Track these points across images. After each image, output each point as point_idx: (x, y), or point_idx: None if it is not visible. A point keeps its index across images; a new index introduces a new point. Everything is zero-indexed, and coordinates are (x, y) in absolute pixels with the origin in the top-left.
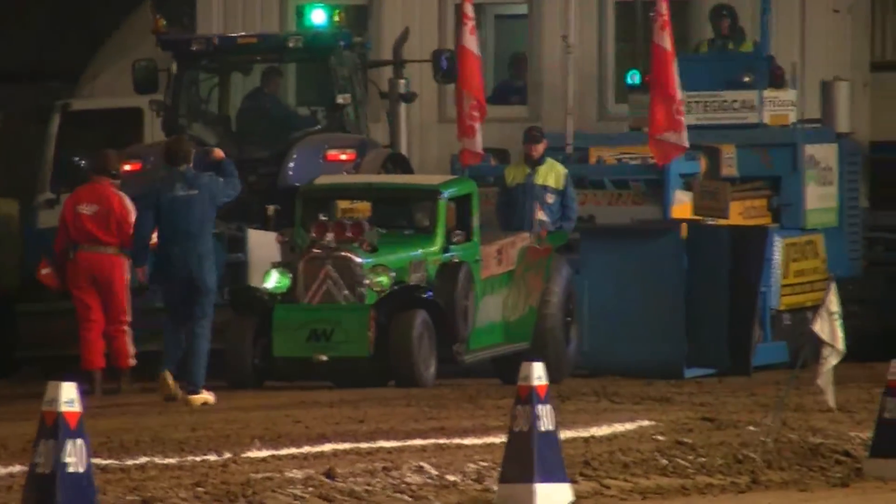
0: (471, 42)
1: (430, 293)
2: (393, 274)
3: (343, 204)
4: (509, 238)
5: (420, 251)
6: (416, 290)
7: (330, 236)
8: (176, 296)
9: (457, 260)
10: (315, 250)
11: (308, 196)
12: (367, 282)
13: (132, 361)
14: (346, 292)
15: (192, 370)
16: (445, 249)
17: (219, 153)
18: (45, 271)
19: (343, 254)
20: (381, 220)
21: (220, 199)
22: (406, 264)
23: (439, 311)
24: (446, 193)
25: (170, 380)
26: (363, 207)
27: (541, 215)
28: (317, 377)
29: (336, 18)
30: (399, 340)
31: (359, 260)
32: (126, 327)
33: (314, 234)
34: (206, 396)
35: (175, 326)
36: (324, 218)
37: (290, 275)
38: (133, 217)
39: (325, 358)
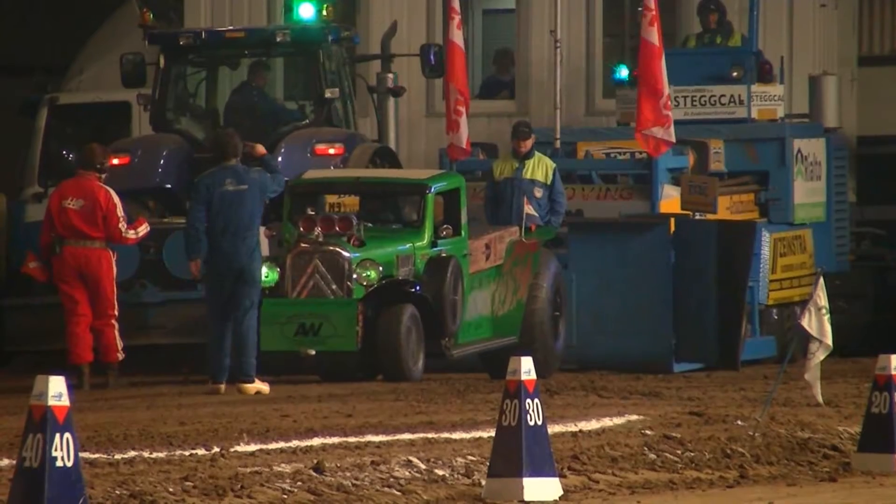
0: (457, 36)
1: (419, 287)
2: (381, 268)
3: (330, 198)
4: (497, 232)
5: (408, 245)
6: (405, 284)
7: (318, 230)
8: (224, 290)
9: (445, 254)
10: (303, 245)
11: (296, 190)
12: (355, 276)
13: (120, 355)
14: (334, 286)
15: (245, 360)
16: (433, 244)
17: (260, 149)
18: (32, 265)
19: (331, 248)
20: (369, 215)
21: (268, 193)
22: (394, 258)
23: (427, 306)
24: (434, 188)
25: (222, 390)
26: (351, 202)
27: (529, 209)
28: (304, 371)
29: (324, 13)
30: (387, 335)
31: (347, 254)
32: (114, 321)
33: (302, 229)
34: (260, 386)
35: (221, 324)
36: (311, 212)
37: (278, 269)
38: (120, 210)
39: (312, 352)
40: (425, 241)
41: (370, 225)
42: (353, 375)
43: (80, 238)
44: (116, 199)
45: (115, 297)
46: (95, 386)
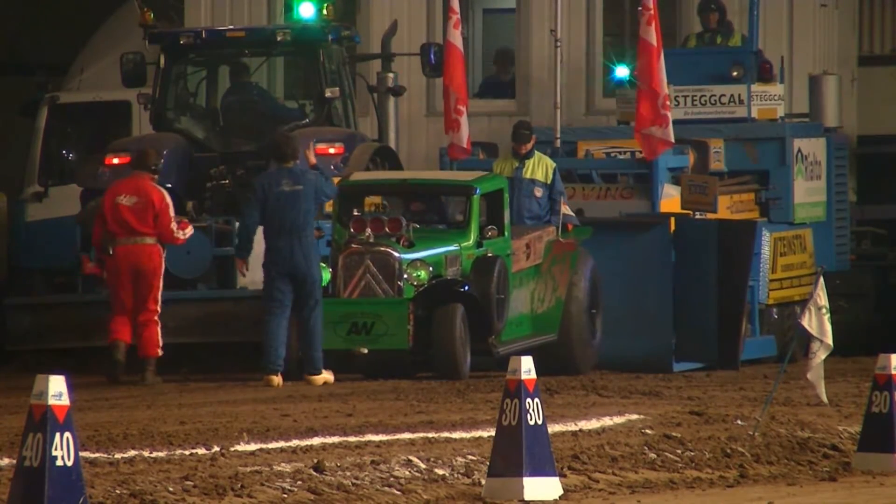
0: (454, 37)
1: (467, 287)
2: (430, 268)
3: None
4: (536, 232)
5: (456, 246)
6: (454, 283)
7: (368, 231)
8: (282, 287)
9: (491, 254)
10: (354, 245)
11: (344, 192)
12: (405, 276)
13: (160, 351)
14: (385, 286)
15: (311, 353)
16: (479, 244)
17: (311, 158)
18: (90, 265)
19: (382, 249)
20: (414, 216)
21: (327, 194)
22: (443, 259)
23: (475, 305)
24: (479, 189)
25: (276, 381)
26: (378, 201)
27: (566, 210)
28: (357, 369)
29: (324, 12)
30: (442, 334)
31: (397, 255)
32: (156, 318)
33: (353, 230)
34: (327, 376)
35: (278, 320)
36: (357, 213)
37: (330, 269)
38: (172, 211)
39: (365, 351)
40: (471, 242)
41: (417, 226)
42: (404, 373)
43: (132, 235)
44: (169, 199)
45: (160, 294)
46: (133, 382)
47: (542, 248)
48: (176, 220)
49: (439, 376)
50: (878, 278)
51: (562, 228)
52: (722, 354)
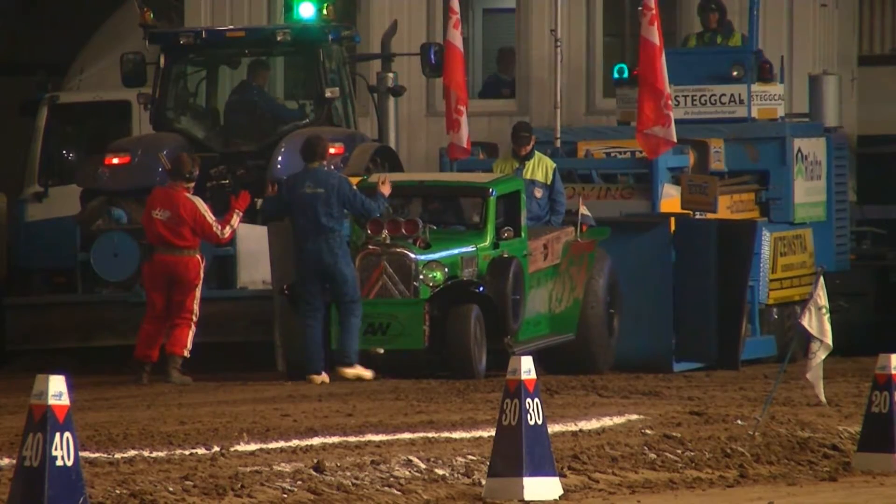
0: (454, 37)
1: (483, 288)
2: (446, 269)
3: None
4: (554, 233)
5: (472, 247)
6: (469, 284)
7: (385, 233)
8: (313, 290)
9: (506, 255)
10: (371, 247)
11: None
12: (421, 277)
13: (186, 353)
14: (402, 287)
15: (346, 346)
16: (495, 245)
17: (385, 189)
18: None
19: (398, 250)
20: (430, 217)
21: (351, 204)
22: (458, 260)
23: (491, 305)
24: (495, 191)
25: (318, 380)
26: None
27: (584, 210)
28: (374, 369)
29: (324, 12)
30: (457, 334)
31: (414, 256)
32: (191, 322)
33: (370, 231)
34: (361, 371)
35: (310, 321)
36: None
37: None
38: (209, 215)
39: (381, 351)
40: (487, 243)
41: (434, 227)
42: (420, 372)
43: (169, 247)
44: (202, 206)
45: (197, 304)
46: (131, 381)
47: (560, 248)
48: (216, 220)
49: (454, 376)
50: (878, 278)
51: (577, 229)
52: (722, 354)
